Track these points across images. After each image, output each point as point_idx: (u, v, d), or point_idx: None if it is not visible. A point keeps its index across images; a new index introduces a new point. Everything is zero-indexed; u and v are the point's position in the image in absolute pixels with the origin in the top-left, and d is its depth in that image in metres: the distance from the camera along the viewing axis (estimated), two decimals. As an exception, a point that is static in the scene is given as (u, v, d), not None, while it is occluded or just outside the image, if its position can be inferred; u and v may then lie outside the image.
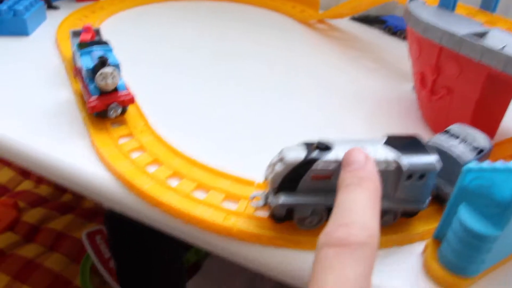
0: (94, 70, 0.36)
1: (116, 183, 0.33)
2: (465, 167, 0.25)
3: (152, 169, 0.33)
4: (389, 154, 0.27)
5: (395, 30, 0.69)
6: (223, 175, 0.33)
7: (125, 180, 0.32)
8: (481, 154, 0.31)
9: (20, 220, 0.82)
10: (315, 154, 0.26)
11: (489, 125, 0.41)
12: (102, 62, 0.35)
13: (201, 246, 0.30)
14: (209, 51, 0.59)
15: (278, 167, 0.27)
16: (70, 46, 0.52)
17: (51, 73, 0.48)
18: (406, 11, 0.43)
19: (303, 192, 0.27)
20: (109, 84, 0.36)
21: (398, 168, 0.26)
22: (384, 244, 0.29)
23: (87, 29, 0.46)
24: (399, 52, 0.63)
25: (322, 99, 0.49)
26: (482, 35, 0.39)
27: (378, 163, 0.26)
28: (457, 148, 0.31)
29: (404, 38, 0.68)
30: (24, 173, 0.97)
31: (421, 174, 0.27)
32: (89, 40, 0.46)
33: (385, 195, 0.26)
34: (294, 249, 0.29)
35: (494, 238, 0.24)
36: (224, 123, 0.43)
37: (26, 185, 0.94)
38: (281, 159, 0.27)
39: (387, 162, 0.26)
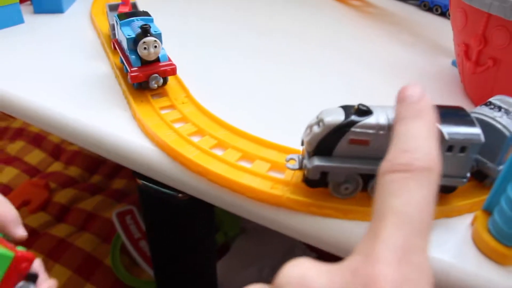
0: (136, 40, 0.36)
1: (160, 153, 0.33)
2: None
3: (196, 139, 0.33)
4: None
5: (431, 5, 0.67)
6: (268, 145, 0.33)
7: (170, 149, 0.32)
8: None
9: (51, 201, 0.84)
10: (354, 116, 0.25)
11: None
12: (145, 31, 0.35)
13: (248, 216, 0.30)
14: (245, 26, 0.58)
15: (316, 129, 0.26)
16: (105, 21, 0.52)
17: (88, 48, 0.49)
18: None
19: (339, 156, 0.26)
20: (152, 53, 0.35)
21: (439, 137, 0.26)
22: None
23: (125, 2, 0.46)
24: (435, 27, 0.62)
25: (361, 72, 0.48)
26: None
27: None
28: (502, 119, 0.29)
29: (440, 13, 0.66)
30: (54, 154, 0.98)
31: (462, 145, 0.26)
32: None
33: None
34: (344, 219, 0.28)
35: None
36: (263, 95, 0.42)
37: (56, 166, 0.95)
38: (319, 121, 0.26)
39: None
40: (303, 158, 0.28)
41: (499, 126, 0.29)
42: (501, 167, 0.29)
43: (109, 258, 0.72)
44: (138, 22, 0.38)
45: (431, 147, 0.19)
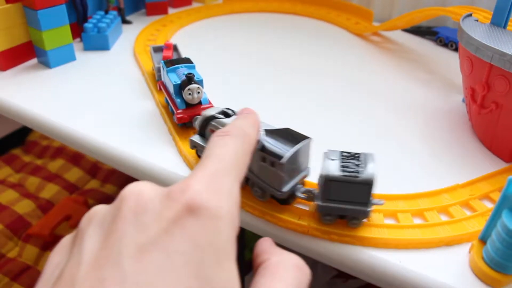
0: (181, 86, 0.41)
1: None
2: (509, 177, 0.28)
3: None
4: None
5: (447, 41, 0.72)
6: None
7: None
8: None
9: (90, 216, 0.90)
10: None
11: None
12: (189, 79, 0.41)
13: (280, 242, 0.35)
14: (270, 63, 0.64)
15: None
16: (149, 60, 0.58)
17: (134, 85, 0.55)
18: (460, 29, 0.47)
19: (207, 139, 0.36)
20: (195, 98, 0.41)
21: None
22: (435, 244, 0.33)
23: (168, 46, 0.52)
24: (450, 63, 0.66)
25: (377, 109, 0.53)
26: (531, 53, 0.42)
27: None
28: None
29: (455, 49, 0.71)
30: (91, 172, 1.05)
31: (271, 161, 0.31)
32: (170, 56, 0.52)
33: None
34: (359, 246, 0.33)
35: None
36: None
37: (93, 184, 1.02)
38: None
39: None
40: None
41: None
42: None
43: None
44: (182, 69, 0.44)
45: (242, 124, 0.27)
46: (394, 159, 0.43)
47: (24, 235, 0.84)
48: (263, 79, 0.59)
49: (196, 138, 0.37)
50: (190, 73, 0.41)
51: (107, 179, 1.02)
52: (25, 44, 0.59)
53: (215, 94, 0.48)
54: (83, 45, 0.64)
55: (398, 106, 0.54)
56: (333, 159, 0.32)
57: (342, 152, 0.33)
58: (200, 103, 0.42)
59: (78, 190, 0.99)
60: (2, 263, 0.80)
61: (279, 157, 0.31)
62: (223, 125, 0.34)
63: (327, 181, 0.31)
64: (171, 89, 0.43)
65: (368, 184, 0.31)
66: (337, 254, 0.33)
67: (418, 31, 0.76)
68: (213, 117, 0.35)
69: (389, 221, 0.35)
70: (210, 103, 0.43)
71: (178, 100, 0.42)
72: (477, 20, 0.49)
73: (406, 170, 0.42)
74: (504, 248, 0.29)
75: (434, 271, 0.31)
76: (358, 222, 0.33)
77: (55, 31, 0.57)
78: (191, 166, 0.39)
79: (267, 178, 0.33)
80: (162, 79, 0.47)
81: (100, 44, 0.64)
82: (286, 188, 0.33)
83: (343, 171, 0.31)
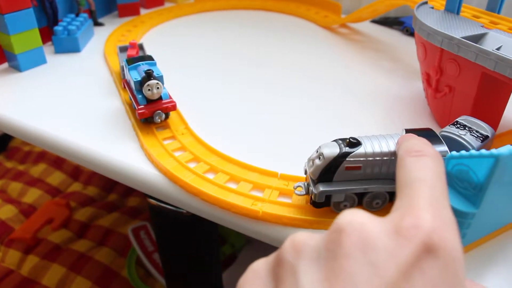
0: (141, 82, 0.42)
1: (163, 177, 0.39)
2: (447, 156, 0.30)
3: (192, 165, 0.40)
4: None
5: (412, 30, 0.73)
6: (251, 168, 0.39)
7: (170, 174, 0.38)
8: (486, 140, 0.35)
9: (72, 218, 0.91)
10: (347, 148, 0.32)
11: (489, 119, 0.45)
12: (148, 75, 0.42)
13: (232, 227, 0.36)
14: (238, 58, 0.65)
15: (318, 162, 0.32)
16: (117, 60, 0.59)
17: (102, 84, 0.56)
18: (414, 16, 0.48)
19: (338, 181, 0.33)
20: (155, 93, 0.42)
21: None
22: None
23: (133, 45, 0.53)
24: (414, 52, 0.67)
25: (341, 100, 0.54)
26: (480, 36, 0.43)
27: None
28: (466, 136, 0.36)
29: (422, 38, 0.72)
30: (73, 176, 1.05)
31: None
32: (135, 54, 0.53)
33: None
34: (311, 229, 0.34)
35: (472, 215, 0.29)
36: (250, 125, 0.48)
37: (76, 186, 1.03)
38: (319, 155, 0.32)
39: None
40: (308, 185, 0.34)
41: (464, 142, 0.35)
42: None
43: (126, 270, 0.79)
44: (143, 66, 0.45)
45: (425, 143, 0.26)
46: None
47: (7, 240, 0.85)
48: (232, 74, 0.60)
49: (323, 187, 0.32)
50: (150, 69, 0.42)
51: (89, 182, 1.03)
52: (-5, 49, 0.60)
53: (182, 90, 0.49)
54: (54, 48, 0.65)
55: (362, 95, 0.55)
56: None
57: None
58: (160, 98, 0.43)
59: (61, 193, 1.00)
60: (-15, 269, 0.80)
61: (444, 153, 0.31)
62: (364, 156, 0.32)
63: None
64: (133, 86, 0.44)
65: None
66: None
67: (386, 21, 0.78)
68: (345, 154, 0.32)
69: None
70: (170, 98, 0.44)
71: (139, 96, 0.43)
72: (432, 8, 0.51)
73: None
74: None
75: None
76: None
77: (24, 34, 0.58)
78: (150, 159, 0.41)
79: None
80: (126, 77, 0.48)
81: (70, 46, 0.65)
82: None
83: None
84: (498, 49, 0.39)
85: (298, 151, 0.41)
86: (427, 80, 0.47)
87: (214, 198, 0.36)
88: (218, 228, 0.65)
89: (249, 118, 0.49)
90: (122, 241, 0.85)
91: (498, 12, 0.50)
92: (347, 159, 0.31)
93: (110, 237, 0.86)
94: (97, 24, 0.75)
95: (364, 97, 0.55)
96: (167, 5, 0.86)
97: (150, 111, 0.43)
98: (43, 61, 0.61)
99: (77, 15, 0.70)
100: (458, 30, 0.43)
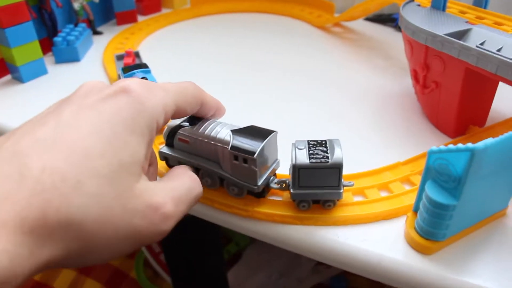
0: (136, 91, 0.44)
1: (160, 181, 0.41)
2: (428, 150, 0.31)
3: (187, 168, 0.41)
4: (226, 136, 0.34)
5: (405, 27, 0.74)
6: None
7: (166, 178, 0.40)
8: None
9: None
10: (184, 123, 0.36)
11: (477, 114, 0.46)
12: (142, 84, 0.44)
13: (228, 227, 0.38)
14: (235, 60, 0.67)
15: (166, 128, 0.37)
16: (115, 68, 0.61)
17: (101, 93, 0.57)
18: (400, 15, 0.49)
19: (177, 149, 0.37)
20: (149, 101, 0.44)
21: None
22: (372, 218, 0.36)
23: (128, 54, 0.55)
24: (408, 48, 0.68)
25: (334, 98, 0.55)
26: (464, 32, 0.44)
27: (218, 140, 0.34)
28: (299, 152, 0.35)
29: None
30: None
31: (243, 158, 0.33)
32: (131, 62, 0.54)
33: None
34: (300, 225, 0.36)
35: (453, 207, 0.30)
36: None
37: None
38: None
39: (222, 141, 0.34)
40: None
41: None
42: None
43: (134, 271, 0.81)
44: (138, 74, 0.46)
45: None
46: (346, 143, 0.46)
47: None
48: (229, 77, 0.62)
49: (165, 149, 0.37)
50: (144, 77, 0.44)
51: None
52: (-2, 61, 0.62)
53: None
54: (54, 59, 0.67)
55: (355, 92, 0.56)
56: (301, 149, 0.34)
57: (309, 141, 0.35)
58: (155, 105, 0.45)
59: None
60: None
61: (251, 152, 0.32)
62: (191, 132, 0.35)
63: (297, 169, 0.33)
64: (129, 94, 0.46)
65: (337, 168, 0.33)
66: (279, 234, 0.36)
67: (380, 19, 0.79)
68: (179, 126, 0.36)
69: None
70: (165, 104, 0.46)
71: (135, 104, 0.44)
72: (419, 5, 0.52)
73: (355, 152, 0.44)
74: (429, 216, 0.32)
75: (371, 243, 0.34)
76: (332, 204, 0.35)
77: (25, 47, 0.59)
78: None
79: (242, 176, 0.34)
80: (123, 85, 0.50)
81: (70, 56, 0.66)
82: (260, 182, 0.34)
83: (312, 158, 0.33)
84: (481, 44, 0.40)
85: (289, 149, 0.42)
86: (415, 76, 0.48)
87: (210, 200, 0.37)
88: (223, 228, 0.67)
89: (245, 118, 0.51)
90: (129, 243, 0.86)
91: (485, 7, 0.51)
92: (179, 131, 0.36)
93: (118, 240, 0.88)
94: (96, 33, 0.77)
95: (356, 94, 0.56)
96: (164, 11, 0.88)
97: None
98: (44, 71, 0.63)
99: (75, 25, 0.72)
100: (442, 27, 0.45)
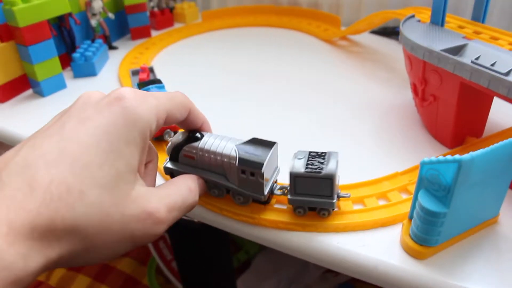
0: (150, 105, 0.47)
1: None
2: (421, 161, 0.33)
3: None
4: (232, 151, 0.35)
5: (410, 40, 0.76)
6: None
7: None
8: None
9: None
10: (186, 140, 0.37)
11: (474, 125, 0.48)
12: (156, 99, 0.46)
13: (235, 233, 0.40)
14: (245, 74, 0.69)
15: (169, 144, 0.38)
16: (130, 82, 0.64)
17: (117, 106, 0.60)
18: (400, 31, 0.52)
19: (182, 163, 0.38)
20: (162, 115, 0.47)
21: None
22: (370, 225, 0.38)
23: (143, 69, 0.58)
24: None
25: (337, 109, 0.58)
26: (461, 48, 0.46)
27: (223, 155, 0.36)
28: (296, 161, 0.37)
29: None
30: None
31: (251, 172, 0.35)
32: (146, 78, 0.58)
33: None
34: (303, 231, 0.38)
35: (444, 214, 0.32)
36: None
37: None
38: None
39: (228, 157, 0.35)
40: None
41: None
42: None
43: (146, 278, 0.83)
44: (153, 89, 0.49)
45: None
46: (348, 152, 0.48)
47: None
48: (239, 89, 0.64)
49: (170, 164, 0.38)
50: (157, 93, 0.47)
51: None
52: (21, 77, 0.65)
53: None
54: (73, 73, 0.70)
55: (357, 105, 0.59)
56: (300, 158, 0.37)
57: (310, 152, 0.38)
58: (168, 118, 0.48)
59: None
60: None
61: (258, 167, 0.35)
62: (197, 148, 0.36)
63: (293, 177, 0.36)
64: (143, 108, 0.48)
65: (330, 179, 0.35)
66: (283, 240, 0.38)
67: (385, 32, 0.81)
68: (184, 142, 0.37)
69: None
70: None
71: (149, 118, 0.47)
72: (419, 21, 0.54)
73: (357, 162, 0.47)
74: (422, 223, 0.34)
75: (368, 249, 0.36)
76: (327, 213, 0.38)
77: (46, 63, 0.63)
78: (162, 173, 0.45)
79: (249, 187, 0.36)
80: (137, 100, 0.53)
81: (87, 71, 0.70)
82: (266, 191, 0.37)
83: (307, 168, 0.36)
84: (476, 59, 0.42)
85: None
86: (414, 90, 0.51)
87: (219, 207, 0.40)
88: (233, 236, 0.69)
89: (255, 129, 0.54)
90: (142, 251, 0.89)
91: (483, 21, 0.52)
92: (184, 148, 0.37)
93: (132, 247, 0.90)
94: (111, 48, 0.80)
95: (359, 106, 0.58)
96: (177, 25, 0.91)
97: (160, 130, 0.47)
98: (63, 86, 0.66)
99: (92, 41, 0.75)
100: (440, 42, 0.47)
